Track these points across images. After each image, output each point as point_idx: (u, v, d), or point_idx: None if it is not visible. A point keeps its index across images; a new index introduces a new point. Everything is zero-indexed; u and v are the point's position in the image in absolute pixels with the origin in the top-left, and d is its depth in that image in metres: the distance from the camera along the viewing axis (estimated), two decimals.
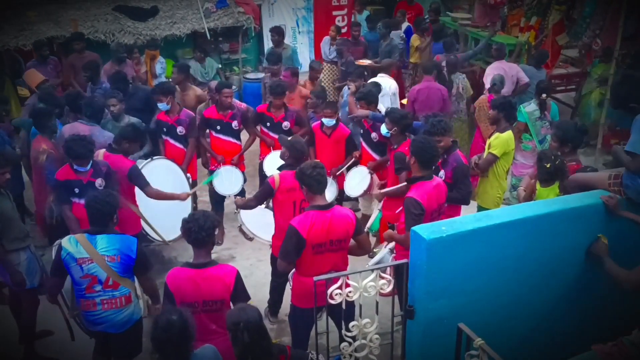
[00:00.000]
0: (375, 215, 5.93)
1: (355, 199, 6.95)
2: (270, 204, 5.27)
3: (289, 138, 5.36)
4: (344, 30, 11.01)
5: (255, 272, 6.46)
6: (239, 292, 3.75)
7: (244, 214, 5.60)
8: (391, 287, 3.23)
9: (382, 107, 7.02)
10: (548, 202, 3.57)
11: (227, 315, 3.18)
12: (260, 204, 5.32)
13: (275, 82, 6.76)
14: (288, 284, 4.62)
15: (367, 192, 6.45)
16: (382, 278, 3.18)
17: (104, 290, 4.10)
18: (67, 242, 4.11)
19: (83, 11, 9.36)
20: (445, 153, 5.15)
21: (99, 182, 5.16)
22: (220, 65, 10.05)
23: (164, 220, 5.87)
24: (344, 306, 3.19)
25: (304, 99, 7.58)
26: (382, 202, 5.81)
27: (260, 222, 5.59)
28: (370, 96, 6.46)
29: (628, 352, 2.58)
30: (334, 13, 11.30)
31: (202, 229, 3.70)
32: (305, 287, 4.15)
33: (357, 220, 4.07)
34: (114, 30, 9.21)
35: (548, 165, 4.60)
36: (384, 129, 5.90)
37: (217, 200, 6.86)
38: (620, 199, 3.60)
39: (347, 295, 3.16)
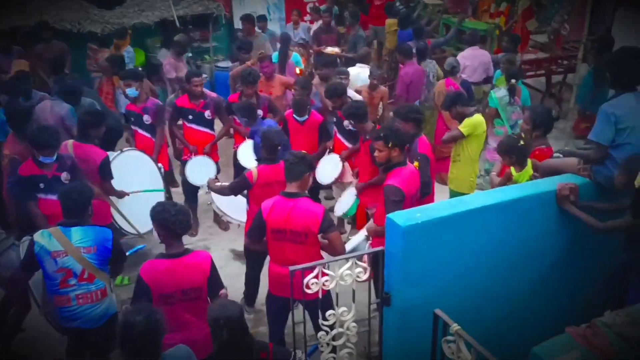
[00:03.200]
0: (352, 200, 5.95)
1: (329, 187, 6.94)
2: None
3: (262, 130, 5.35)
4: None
5: (231, 263, 6.43)
6: (214, 277, 3.76)
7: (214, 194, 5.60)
8: (367, 274, 3.23)
9: (354, 93, 7.01)
10: (521, 187, 3.61)
11: (208, 311, 3.16)
12: (234, 195, 5.29)
13: (246, 70, 6.68)
14: None
15: (339, 180, 6.46)
16: (359, 266, 3.17)
17: (79, 284, 4.03)
18: (40, 236, 4.03)
19: None
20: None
21: (65, 176, 5.04)
22: (190, 54, 9.87)
23: (136, 212, 5.80)
24: (320, 295, 3.18)
25: (284, 86, 7.52)
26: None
27: (231, 201, 5.56)
28: (337, 90, 6.39)
29: (601, 334, 2.62)
30: (305, 0, 11.20)
31: (180, 222, 3.68)
32: (273, 273, 4.30)
33: (326, 218, 3.98)
34: (80, 18, 9.00)
35: (521, 142, 4.64)
36: (347, 124, 5.90)
37: (191, 191, 6.80)
38: (588, 184, 3.64)
39: (324, 285, 3.14)
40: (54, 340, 4.57)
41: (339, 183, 6.54)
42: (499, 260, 3.45)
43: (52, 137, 4.95)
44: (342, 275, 3.16)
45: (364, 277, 3.21)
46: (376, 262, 3.37)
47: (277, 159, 5.00)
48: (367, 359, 4.04)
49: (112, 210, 5.70)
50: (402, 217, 3.13)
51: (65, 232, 4.03)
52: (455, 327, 2.73)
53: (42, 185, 5.02)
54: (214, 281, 3.76)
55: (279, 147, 5.15)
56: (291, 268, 3.17)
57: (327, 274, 3.17)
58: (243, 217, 5.47)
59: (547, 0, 9.02)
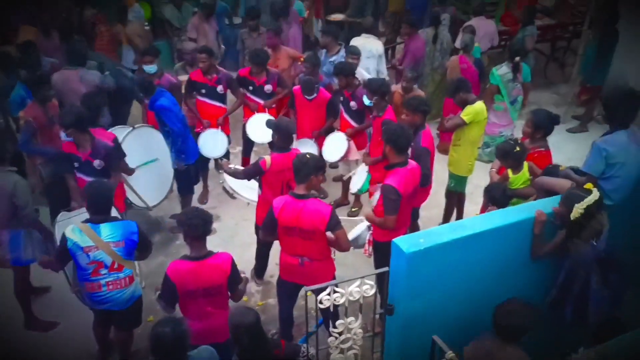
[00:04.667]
0: (364, 177, 6.22)
1: (335, 164, 7.20)
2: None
3: (275, 120, 5.58)
4: None
5: (240, 232, 6.78)
6: (234, 275, 4.16)
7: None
8: (374, 291, 3.61)
9: (363, 72, 7.15)
10: (517, 210, 3.92)
11: (229, 318, 3.58)
12: (247, 180, 5.56)
13: (255, 50, 6.80)
14: None
15: (345, 158, 6.73)
16: (366, 284, 3.55)
17: (110, 273, 4.41)
18: (72, 233, 4.34)
19: None
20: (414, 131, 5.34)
21: (97, 163, 5.34)
22: (196, 9, 9.82)
23: (146, 185, 6.16)
24: (331, 309, 3.59)
25: (291, 59, 7.62)
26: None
27: (243, 181, 5.79)
28: (344, 70, 6.54)
29: None
30: None
31: (200, 226, 4.01)
32: (284, 262, 4.70)
33: (332, 217, 4.31)
34: None
35: (518, 149, 4.94)
36: (366, 100, 6.14)
37: (202, 161, 7.00)
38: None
39: (335, 301, 3.53)
40: (81, 306, 4.87)
41: (345, 160, 6.81)
42: (496, 278, 3.80)
43: (75, 113, 5.22)
44: (352, 292, 3.54)
45: (371, 292, 3.59)
46: (381, 279, 3.75)
47: (289, 148, 5.27)
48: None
49: (125, 186, 5.99)
50: (406, 243, 3.46)
51: (95, 229, 4.36)
52: (450, 354, 3.12)
53: (76, 164, 5.40)
54: (233, 278, 4.16)
55: (292, 136, 5.43)
56: (305, 288, 3.54)
57: (337, 291, 3.54)
58: (254, 197, 5.74)
59: None
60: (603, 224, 3.81)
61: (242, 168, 5.72)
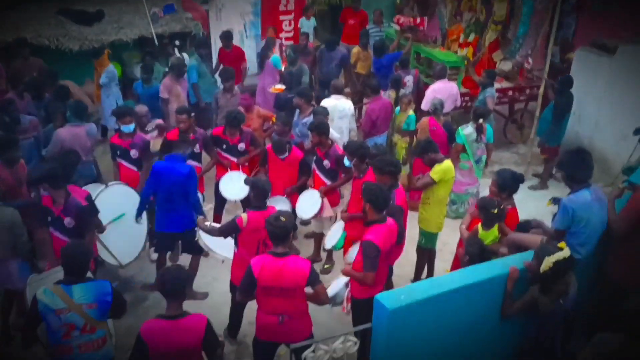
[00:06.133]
0: (339, 234, 6.29)
1: (307, 221, 7.28)
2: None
3: (251, 178, 5.66)
4: (290, 35, 11.27)
5: (212, 292, 6.67)
6: (210, 339, 4.05)
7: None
8: (357, 347, 3.65)
9: (333, 132, 7.34)
10: (490, 266, 4.08)
11: None
12: (223, 237, 5.57)
13: (232, 112, 6.95)
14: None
15: (318, 215, 6.82)
16: (349, 340, 3.59)
17: (82, 335, 4.29)
18: (43, 295, 4.22)
19: (26, 14, 9.09)
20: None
21: (68, 221, 5.29)
22: (167, 69, 10.00)
23: (118, 243, 6.10)
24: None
25: (262, 119, 7.79)
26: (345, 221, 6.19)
27: (218, 239, 5.77)
28: (319, 128, 6.73)
29: None
30: (281, 17, 11.40)
31: (167, 282, 3.97)
32: (262, 321, 4.65)
33: (312, 273, 4.37)
34: (58, 35, 9.03)
35: (495, 211, 5.12)
36: (347, 162, 6.29)
37: None
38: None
39: (318, 358, 3.56)
40: None
41: (318, 217, 6.90)
42: (472, 330, 3.91)
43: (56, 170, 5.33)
44: (335, 349, 3.57)
45: (354, 349, 3.63)
46: (363, 336, 3.80)
47: (266, 206, 5.34)
48: None
49: (97, 243, 5.91)
50: (388, 299, 3.55)
51: (67, 290, 4.24)
52: None
53: (49, 218, 5.35)
54: (209, 342, 4.04)
55: (267, 194, 5.50)
56: (292, 346, 3.55)
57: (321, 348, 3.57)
58: (229, 254, 5.73)
59: (513, 35, 9.50)
60: (569, 284, 3.98)
61: (218, 225, 5.74)
